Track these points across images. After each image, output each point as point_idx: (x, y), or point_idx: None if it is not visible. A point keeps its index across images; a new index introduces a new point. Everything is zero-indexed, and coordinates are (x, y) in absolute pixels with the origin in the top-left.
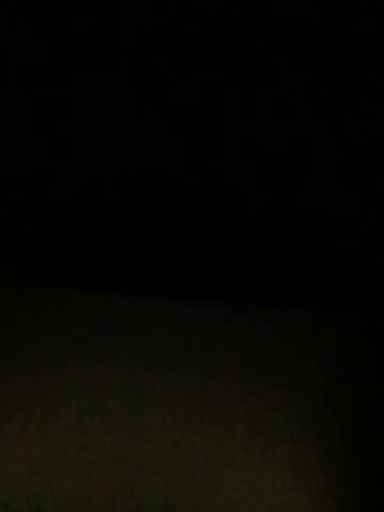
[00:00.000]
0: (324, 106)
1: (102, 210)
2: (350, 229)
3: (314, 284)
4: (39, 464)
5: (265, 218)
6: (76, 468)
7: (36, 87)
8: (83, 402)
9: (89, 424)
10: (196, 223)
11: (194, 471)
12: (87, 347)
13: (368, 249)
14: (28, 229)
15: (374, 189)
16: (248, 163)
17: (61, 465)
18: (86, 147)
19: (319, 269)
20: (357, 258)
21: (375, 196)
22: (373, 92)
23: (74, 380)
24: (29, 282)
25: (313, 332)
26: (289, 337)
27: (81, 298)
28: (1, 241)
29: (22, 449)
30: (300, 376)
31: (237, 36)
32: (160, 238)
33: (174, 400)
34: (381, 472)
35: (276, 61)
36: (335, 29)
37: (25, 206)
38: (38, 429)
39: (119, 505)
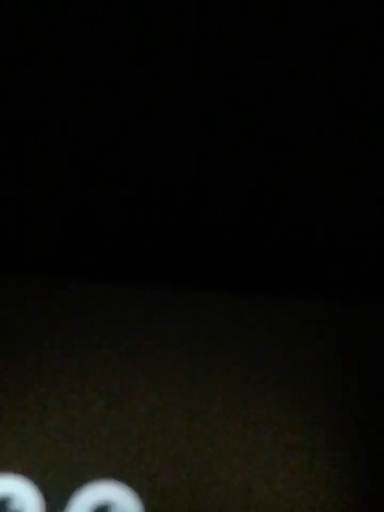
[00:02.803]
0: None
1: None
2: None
3: (326, 273)
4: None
5: (271, 207)
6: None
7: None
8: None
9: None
10: (200, 211)
11: (193, 456)
12: (85, 338)
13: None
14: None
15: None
16: (248, 155)
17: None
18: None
19: (328, 256)
20: (367, 247)
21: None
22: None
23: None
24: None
25: (322, 321)
26: (298, 326)
27: (77, 288)
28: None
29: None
30: (310, 366)
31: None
32: (163, 226)
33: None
34: None
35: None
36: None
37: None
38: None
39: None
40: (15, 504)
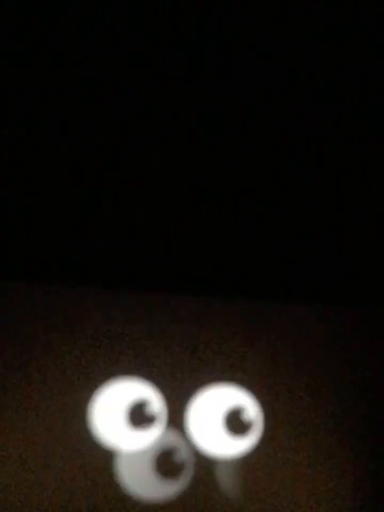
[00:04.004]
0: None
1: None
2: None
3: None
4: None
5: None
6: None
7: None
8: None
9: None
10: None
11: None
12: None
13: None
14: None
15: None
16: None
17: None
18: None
19: (327, 259)
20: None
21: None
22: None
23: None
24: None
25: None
26: (300, 326)
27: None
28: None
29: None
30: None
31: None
32: (163, 228)
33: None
34: None
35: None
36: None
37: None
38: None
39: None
40: (151, 408)
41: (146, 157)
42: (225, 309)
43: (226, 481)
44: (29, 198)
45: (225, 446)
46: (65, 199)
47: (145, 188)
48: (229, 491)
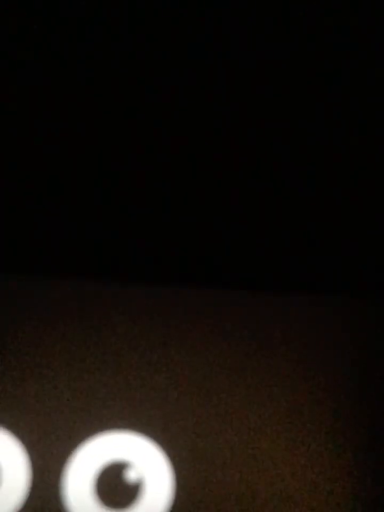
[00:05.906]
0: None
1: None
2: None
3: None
4: None
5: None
6: None
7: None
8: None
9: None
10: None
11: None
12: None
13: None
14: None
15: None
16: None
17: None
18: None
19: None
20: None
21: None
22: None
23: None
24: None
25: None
26: (301, 319)
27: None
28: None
29: None
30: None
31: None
32: (161, 224)
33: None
34: None
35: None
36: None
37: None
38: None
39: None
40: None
41: (145, 153)
42: (220, 300)
43: None
44: (30, 197)
45: None
46: (70, 196)
47: (145, 183)
48: None
